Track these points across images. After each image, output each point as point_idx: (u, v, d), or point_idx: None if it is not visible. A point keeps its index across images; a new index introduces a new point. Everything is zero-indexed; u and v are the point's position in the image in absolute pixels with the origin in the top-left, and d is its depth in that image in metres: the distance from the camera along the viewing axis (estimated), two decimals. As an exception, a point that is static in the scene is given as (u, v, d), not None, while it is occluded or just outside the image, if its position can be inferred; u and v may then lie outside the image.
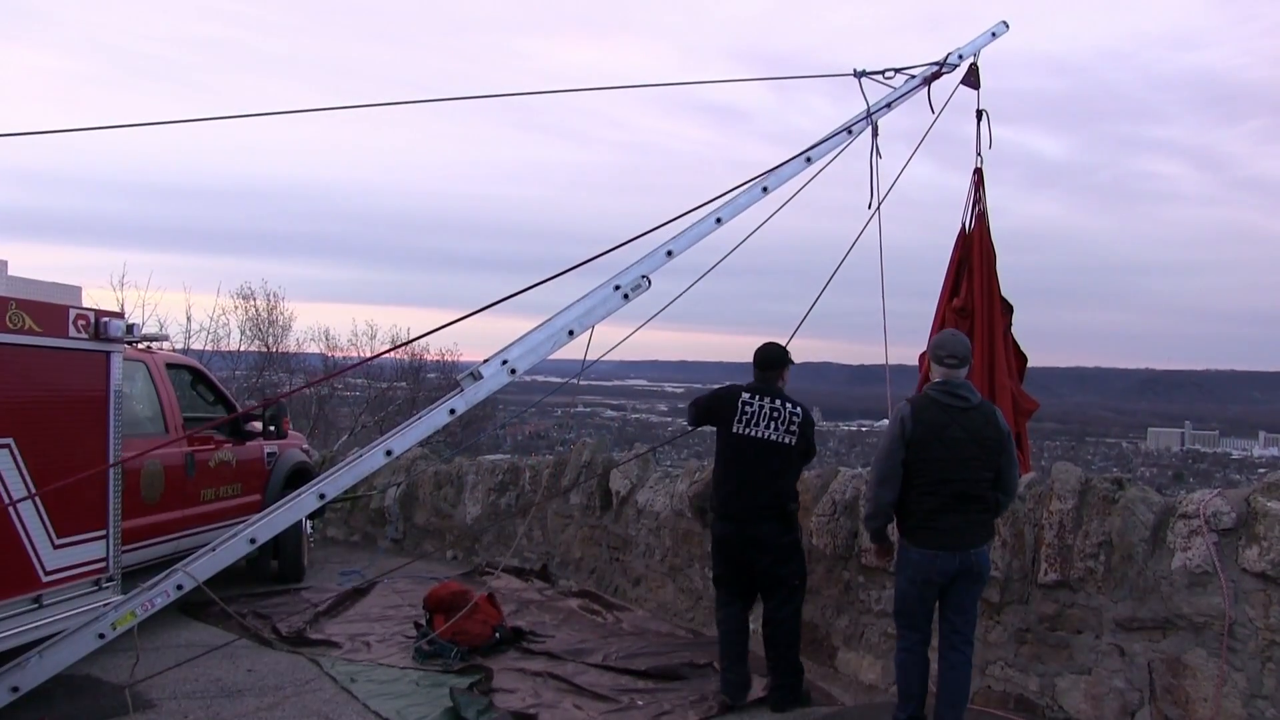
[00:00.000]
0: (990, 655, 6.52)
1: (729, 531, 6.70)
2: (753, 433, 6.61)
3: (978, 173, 7.59)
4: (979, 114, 7.68)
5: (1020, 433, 7.56)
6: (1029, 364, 8.16)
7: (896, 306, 7.84)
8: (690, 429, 7.35)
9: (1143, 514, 5.89)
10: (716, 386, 7.06)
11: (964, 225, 7.81)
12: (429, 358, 30.72)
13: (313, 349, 30.41)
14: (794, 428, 6.62)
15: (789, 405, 6.67)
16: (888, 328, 7.65)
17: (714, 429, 6.90)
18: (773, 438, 6.60)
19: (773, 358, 6.83)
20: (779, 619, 6.69)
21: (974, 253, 7.53)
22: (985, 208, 7.62)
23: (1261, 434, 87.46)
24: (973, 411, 5.74)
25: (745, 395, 6.68)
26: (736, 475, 6.67)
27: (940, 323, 7.62)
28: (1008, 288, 7.74)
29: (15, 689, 5.39)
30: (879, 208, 7.57)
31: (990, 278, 7.55)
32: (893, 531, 6.01)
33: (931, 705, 5.82)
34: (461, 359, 29.01)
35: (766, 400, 6.66)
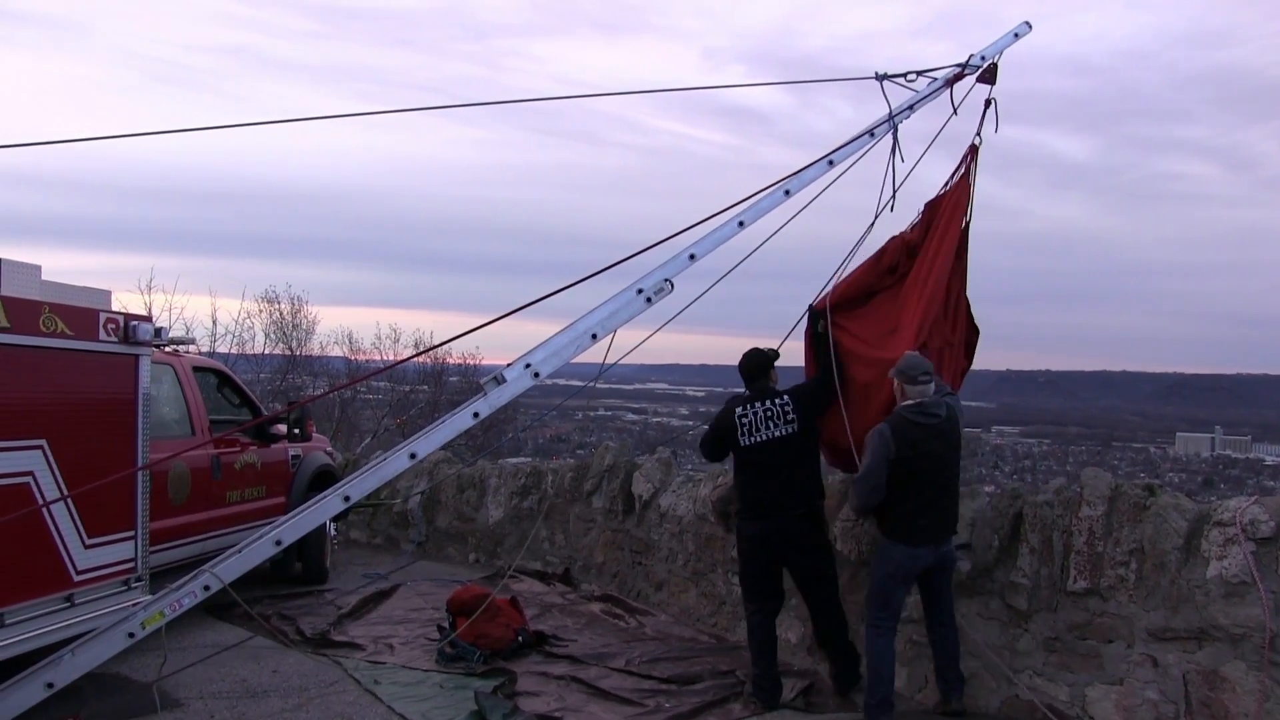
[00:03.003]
0: (1019, 664, 6.46)
1: (764, 530, 6.80)
2: (757, 439, 6.78)
3: (973, 149, 7.51)
4: (987, 101, 7.63)
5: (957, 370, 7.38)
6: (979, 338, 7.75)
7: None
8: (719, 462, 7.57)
9: (1175, 521, 5.82)
10: (716, 414, 7.20)
11: (944, 185, 7.63)
12: (451, 361, 30.82)
13: (336, 352, 30.60)
14: (790, 416, 6.76)
15: (778, 400, 6.82)
16: None
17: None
18: (776, 434, 6.76)
19: (755, 368, 7.03)
20: (828, 610, 6.86)
21: (942, 209, 7.34)
22: (971, 181, 7.45)
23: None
24: (945, 422, 6.31)
25: (739, 410, 6.87)
26: (758, 481, 6.83)
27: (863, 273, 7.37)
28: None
29: (50, 685, 5.44)
30: (877, 212, 7.50)
31: (948, 233, 7.25)
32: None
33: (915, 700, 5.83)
34: (483, 363, 29.09)
35: (759, 405, 6.83)
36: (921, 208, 7.42)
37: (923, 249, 7.21)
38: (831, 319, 7.15)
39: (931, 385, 6.34)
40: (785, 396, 6.84)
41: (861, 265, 7.39)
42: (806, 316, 7.31)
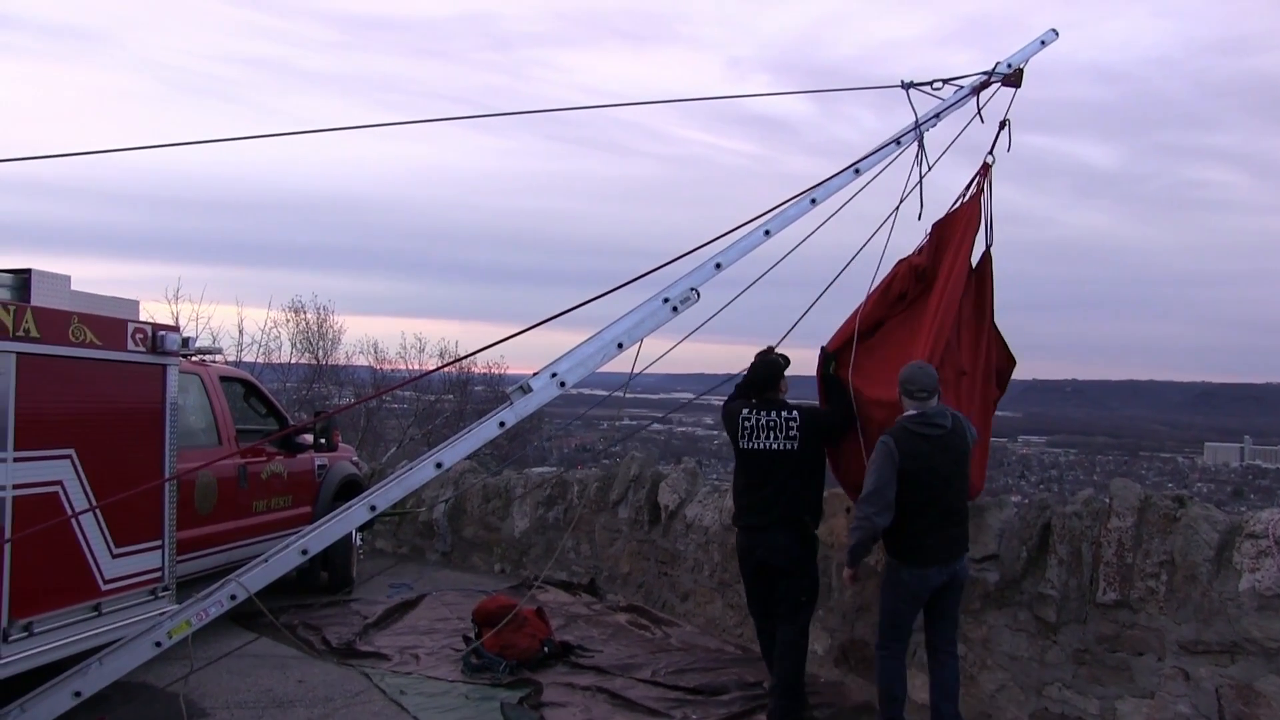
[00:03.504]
0: (1047, 676, 6.39)
1: (746, 543, 6.81)
2: (756, 445, 6.72)
3: (985, 167, 7.44)
4: (1002, 123, 7.55)
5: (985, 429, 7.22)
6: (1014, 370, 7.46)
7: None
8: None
9: (1206, 533, 5.74)
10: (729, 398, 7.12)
11: (954, 204, 7.52)
12: (476, 370, 30.89)
13: (361, 361, 30.69)
14: (793, 433, 6.64)
15: (784, 413, 6.70)
16: None
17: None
18: (774, 447, 6.65)
19: (762, 379, 6.89)
20: (783, 637, 6.67)
21: (952, 230, 7.23)
22: (984, 198, 7.33)
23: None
24: (949, 434, 6.09)
25: (744, 412, 6.80)
26: (749, 489, 6.80)
27: (869, 306, 7.16)
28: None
29: (78, 694, 5.46)
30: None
31: (960, 254, 7.12)
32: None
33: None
34: (508, 372, 29.12)
35: (763, 414, 6.73)
36: (929, 229, 7.29)
37: (933, 273, 7.06)
38: (841, 360, 7.02)
39: (932, 402, 6.12)
40: (794, 413, 6.71)
41: (869, 297, 7.18)
42: (819, 357, 7.16)
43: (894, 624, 6.20)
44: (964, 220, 7.21)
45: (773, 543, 6.64)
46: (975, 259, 7.29)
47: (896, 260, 7.28)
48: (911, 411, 6.13)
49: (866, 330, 7.07)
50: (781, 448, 6.64)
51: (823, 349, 7.17)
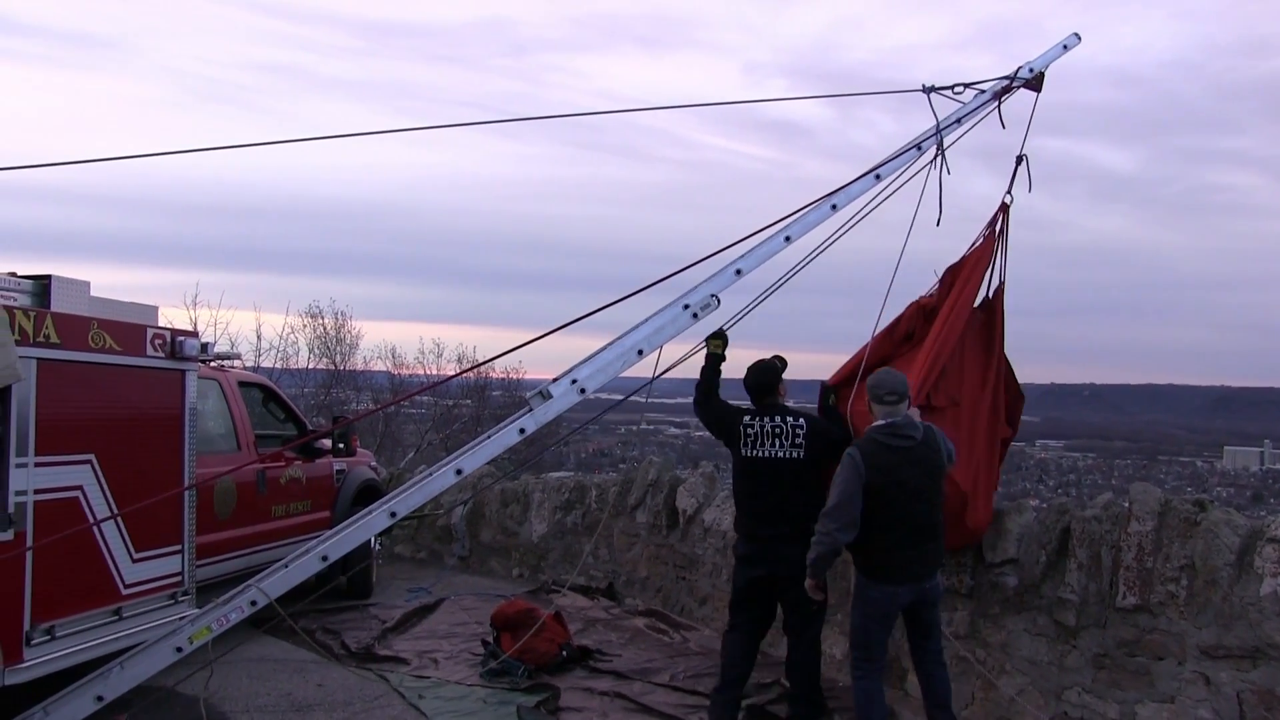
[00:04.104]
0: (1066, 680, 6.37)
1: (749, 552, 6.59)
2: (760, 453, 6.52)
3: (1004, 208, 7.33)
4: (1018, 159, 7.43)
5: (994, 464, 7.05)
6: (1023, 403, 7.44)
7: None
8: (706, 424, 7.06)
9: (1227, 537, 5.72)
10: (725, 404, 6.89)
11: (971, 245, 7.46)
12: (494, 375, 30.92)
13: (379, 367, 30.77)
14: (799, 440, 6.47)
15: (789, 419, 6.53)
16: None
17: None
18: (779, 454, 6.48)
19: (760, 384, 6.72)
20: (803, 642, 6.58)
21: (964, 266, 7.17)
22: (1000, 240, 7.24)
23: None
24: (920, 446, 5.86)
25: (746, 419, 6.61)
26: (754, 498, 6.61)
27: (875, 345, 7.03)
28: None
29: (100, 698, 5.51)
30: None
31: (965, 288, 7.05)
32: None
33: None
34: (526, 377, 29.14)
35: (766, 420, 6.55)
36: (941, 273, 7.17)
37: (939, 311, 6.99)
38: (841, 395, 6.89)
39: (901, 408, 5.91)
40: (801, 420, 6.55)
41: (875, 337, 7.03)
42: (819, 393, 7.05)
43: (865, 644, 5.97)
44: (974, 258, 7.17)
45: (781, 554, 6.43)
46: (987, 294, 7.24)
47: (908, 303, 7.20)
48: (880, 422, 5.95)
49: (873, 366, 6.82)
50: (788, 455, 6.48)
51: (823, 383, 7.07)
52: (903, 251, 7.28)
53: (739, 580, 6.73)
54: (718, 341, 6.86)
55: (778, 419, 6.55)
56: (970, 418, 6.88)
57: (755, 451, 6.54)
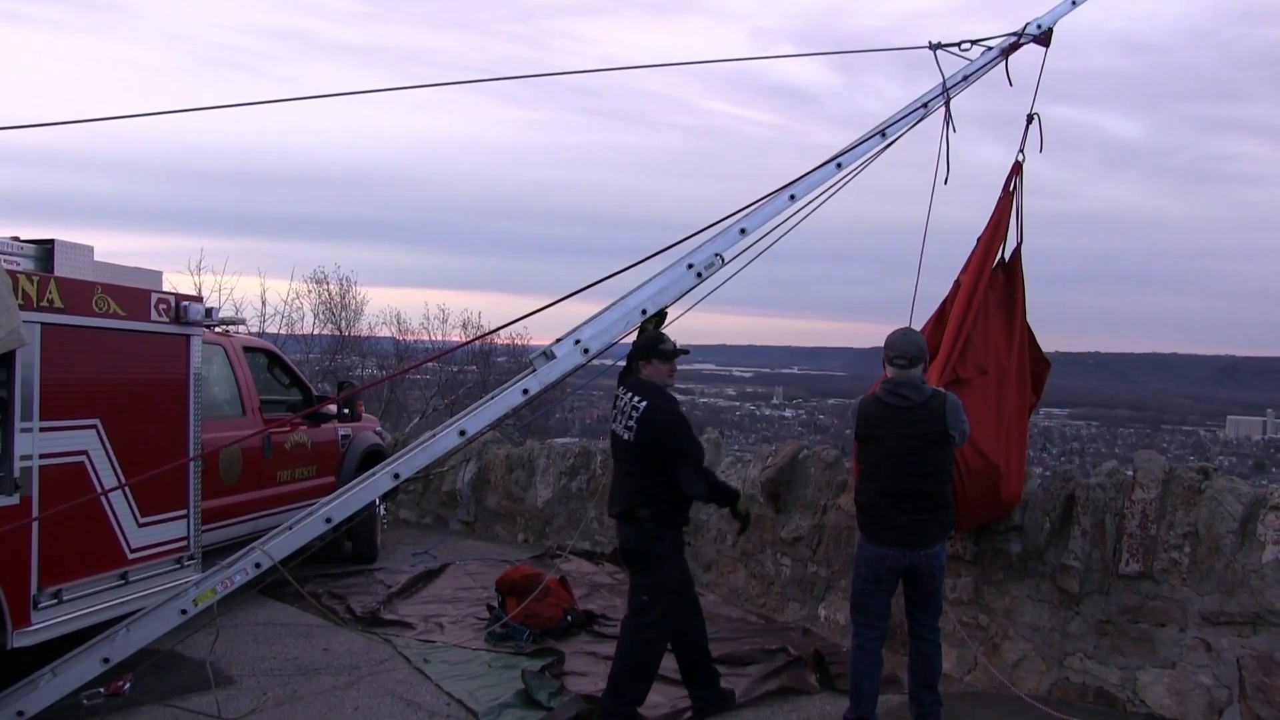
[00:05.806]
0: (1069, 646, 6.40)
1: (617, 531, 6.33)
2: (613, 427, 6.20)
3: (1018, 167, 7.30)
4: (1029, 118, 7.38)
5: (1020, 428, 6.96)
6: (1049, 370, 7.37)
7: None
8: None
9: (1231, 505, 5.73)
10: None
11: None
12: (499, 342, 30.92)
13: (384, 332, 30.77)
14: (632, 423, 5.96)
15: (634, 398, 6.04)
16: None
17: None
18: (619, 433, 6.09)
19: (636, 348, 6.32)
20: (623, 631, 6.20)
21: (987, 228, 7.15)
22: (1013, 197, 7.22)
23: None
24: (917, 409, 5.67)
25: (619, 389, 6.30)
26: (613, 474, 6.38)
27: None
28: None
29: (106, 660, 5.55)
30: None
31: (989, 252, 7.04)
32: None
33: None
34: (531, 343, 29.13)
35: (624, 393, 6.18)
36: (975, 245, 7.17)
37: (962, 281, 7.01)
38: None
39: (913, 372, 5.75)
40: (643, 402, 5.97)
41: (924, 326, 7.00)
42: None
43: (861, 607, 5.88)
44: (994, 220, 7.14)
45: (621, 538, 6.20)
46: (1002, 255, 7.22)
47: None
48: (888, 378, 5.85)
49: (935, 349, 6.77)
50: (623, 436, 6.05)
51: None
52: (927, 222, 7.27)
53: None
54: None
55: (629, 395, 6.13)
56: (998, 387, 6.80)
57: (612, 425, 6.24)
